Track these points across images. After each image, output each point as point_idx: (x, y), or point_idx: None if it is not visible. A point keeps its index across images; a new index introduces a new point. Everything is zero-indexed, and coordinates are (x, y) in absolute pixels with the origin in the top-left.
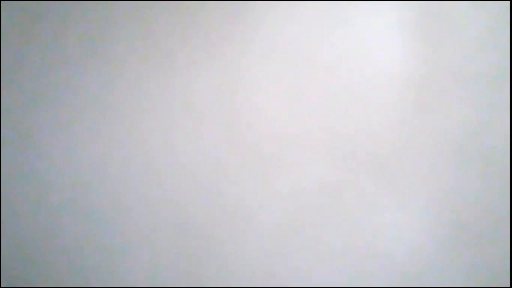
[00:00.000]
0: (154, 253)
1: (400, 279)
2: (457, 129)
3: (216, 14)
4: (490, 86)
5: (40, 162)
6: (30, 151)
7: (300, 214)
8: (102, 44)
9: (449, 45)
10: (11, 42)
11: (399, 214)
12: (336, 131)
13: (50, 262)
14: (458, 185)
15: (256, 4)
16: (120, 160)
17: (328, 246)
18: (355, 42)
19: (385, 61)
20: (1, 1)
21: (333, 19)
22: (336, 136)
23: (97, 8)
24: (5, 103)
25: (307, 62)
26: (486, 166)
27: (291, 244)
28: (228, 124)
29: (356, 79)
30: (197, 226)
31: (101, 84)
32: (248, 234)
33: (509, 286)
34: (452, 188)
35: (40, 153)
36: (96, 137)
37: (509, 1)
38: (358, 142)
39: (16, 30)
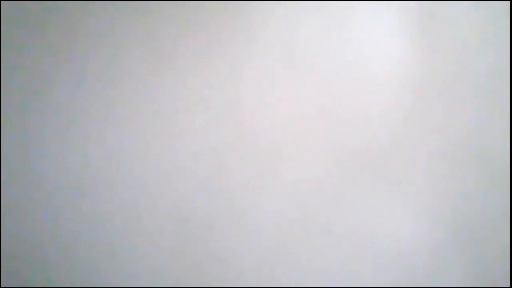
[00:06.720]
0: (155, 253)
1: (400, 279)
2: (457, 128)
3: (218, 14)
4: (490, 86)
5: (40, 162)
6: (30, 151)
7: (299, 213)
8: (103, 44)
9: (449, 45)
10: (11, 42)
11: (398, 213)
12: (337, 130)
13: (50, 262)
14: (458, 185)
15: (259, 4)
16: (121, 159)
17: (327, 246)
18: (355, 42)
19: (385, 61)
20: (1, 1)
21: (333, 19)
22: (336, 135)
23: (98, 8)
24: (5, 103)
25: (308, 61)
26: (486, 166)
27: (290, 243)
28: (229, 122)
29: (356, 78)
30: (198, 225)
31: (102, 84)
32: (249, 233)
33: (509, 286)
34: (452, 187)
35: (40, 153)
36: (97, 137)
37: (509, 1)
38: (359, 141)
39: (16, 30)
